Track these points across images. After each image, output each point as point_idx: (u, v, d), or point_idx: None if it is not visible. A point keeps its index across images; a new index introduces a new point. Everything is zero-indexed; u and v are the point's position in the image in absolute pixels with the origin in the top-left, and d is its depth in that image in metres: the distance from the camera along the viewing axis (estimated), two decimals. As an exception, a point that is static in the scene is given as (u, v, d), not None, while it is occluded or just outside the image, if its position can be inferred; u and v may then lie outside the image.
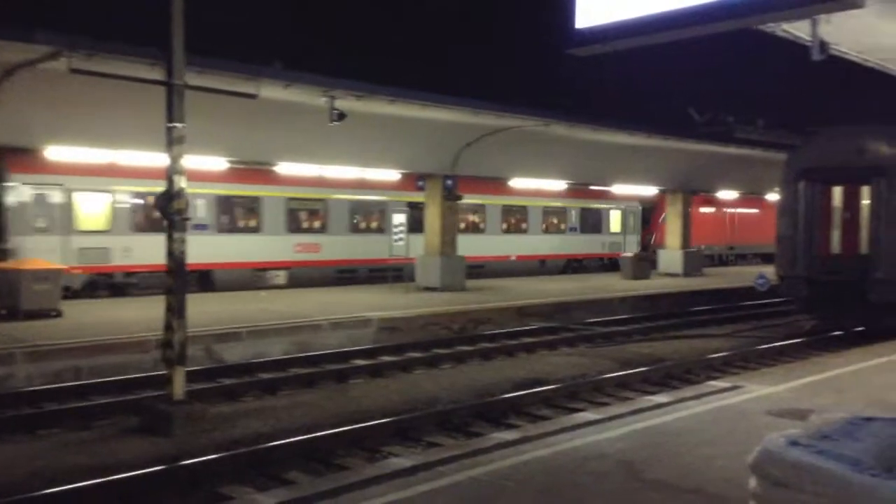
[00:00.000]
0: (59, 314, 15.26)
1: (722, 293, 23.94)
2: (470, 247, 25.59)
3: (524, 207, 30.53)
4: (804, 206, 16.25)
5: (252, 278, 22.79)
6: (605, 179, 29.37)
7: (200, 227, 21.08)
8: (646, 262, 27.93)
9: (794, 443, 3.90)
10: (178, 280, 9.16)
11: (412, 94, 18.38)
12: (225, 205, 22.61)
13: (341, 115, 16.85)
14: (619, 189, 30.04)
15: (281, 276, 23.49)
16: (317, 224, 24.69)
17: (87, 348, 12.35)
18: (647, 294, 22.42)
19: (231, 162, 20.01)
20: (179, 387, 9.11)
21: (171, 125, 9.24)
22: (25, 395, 10.76)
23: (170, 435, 8.77)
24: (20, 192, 19.13)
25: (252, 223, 23.23)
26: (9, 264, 15.34)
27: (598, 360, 14.19)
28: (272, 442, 8.53)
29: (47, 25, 13.32)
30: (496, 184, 27.42)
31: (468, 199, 24.60)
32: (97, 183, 20.31)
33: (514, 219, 30.30)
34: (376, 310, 16.97)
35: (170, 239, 9.18)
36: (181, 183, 9.23)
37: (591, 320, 18.78)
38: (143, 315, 14.88)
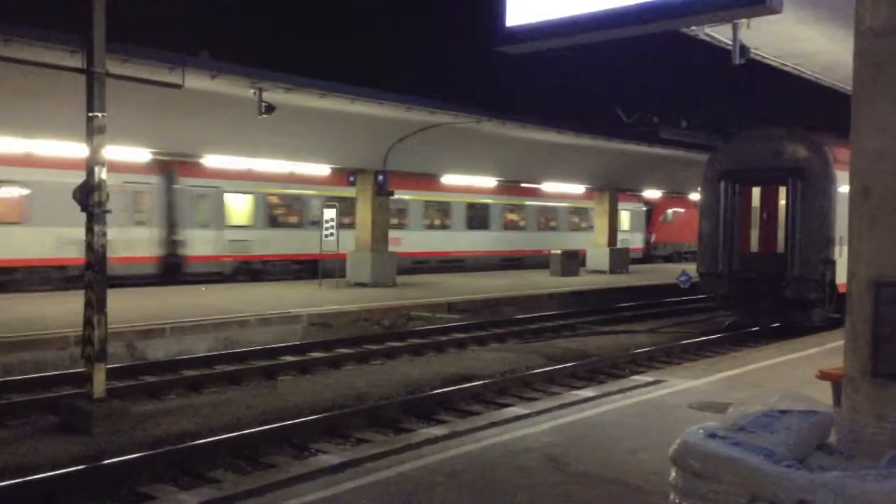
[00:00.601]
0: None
1: (646, 290, 24.56)
2: (513, 242, 32.05)
3: (555, 208, 35.82)
4: (724, 205, 16.78)
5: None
6: (535, 177, 29.78)
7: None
8: (574, 259, 28.42)
9: (712, 435, 4.01)
10: (98, 274, 8.87)
11: (343, 88, 18.25)
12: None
13: (270, 108, 16.60)
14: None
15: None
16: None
17: (1, 344, 11.86)
18: (574, 290, 22.81)
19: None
20: (99, 384, 8.83)
21: (91, 115, 8.93)
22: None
23: (90, 434, 8.50)
24: (187, 193, 23.10)
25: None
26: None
27: (527, 355, 14.37)
28: (197, 440, 8.36)
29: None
30: (529, 189, 31.64)
31: (512, 201, 30.50)
32: (240, 186, 24.27)
33: (545, 218, 35.71)
34: (306, 306, 16.80)
35: (89, 232, 8.88)
36: (102, 174, 8.94)
37: (519, 316, 19.03)
38: (72, 309, 14.36)
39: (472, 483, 5.84)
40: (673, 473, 4.06)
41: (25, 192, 20.24)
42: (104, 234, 8.95)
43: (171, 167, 22.49)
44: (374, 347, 14.66)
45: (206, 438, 8.41)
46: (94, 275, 8.86)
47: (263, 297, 18.28)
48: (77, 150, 16.12)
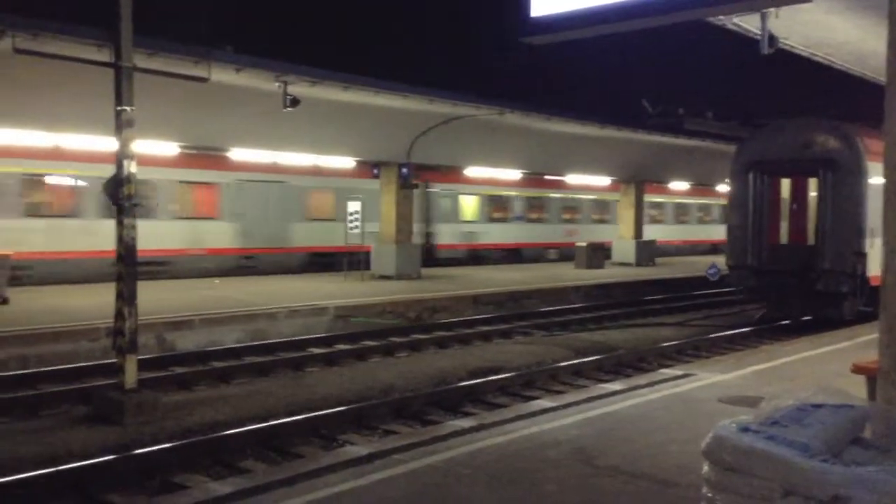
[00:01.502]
0: (5, 301, 14.86)
1: (673, 283, 24.37)
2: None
3: (661, 203, 38.72)
4: (753, 197, 16.58)
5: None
6: (559, 169, 29.67)
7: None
8: (600, 251, 28.27)
9: (745, 429, 3.97)
10: (129, 267, 8.97)
11: (366, 81, 18.26)
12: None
13: (295, 101, 16.66)
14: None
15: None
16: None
17: (34, 336, 12.05)
18: (600, 283, 22.69)
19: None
20: (131, 375, 8.93)
21: (120, 108, 9.01)
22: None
23: (122, 424, 8.61)
24: (436, 196, 29.07)
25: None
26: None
27: (553, 348, 14.33)
28: (226, 430, 8.44)
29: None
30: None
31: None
32: (469, 189, 30.24)
33: (677, 212, 39.29)
34: (332, 298, 16.88)
35: (119, 225, 8.98)
36: (131, 168, 9.02)
37: (545, 309, 18.98)
38: (105, 302, 14.56)
39: (499, 475, 5.83)
40: (705, 467, 4.03)
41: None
42: (133, 227, 9.03)
43: (426, 176, 27.65)
44: (399, 340, 14.70)
45: (235, 428, 8.49)
46: (124, 267, 8.95)
47: (290, 290, 18.39)
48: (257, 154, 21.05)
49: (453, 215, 30.16)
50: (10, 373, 11.19)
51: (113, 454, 7.59)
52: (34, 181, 19.83)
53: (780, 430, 3.96)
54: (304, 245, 25.32)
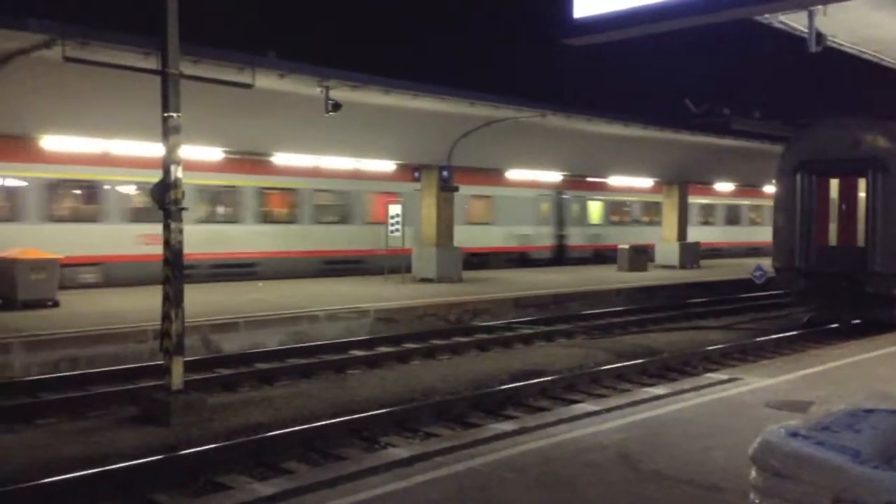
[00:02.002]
0: (55, 304, 15.23)
1: (719, 285, 24.00)
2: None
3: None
4: (801, 198, 16.26)
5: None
6: (601, 171, 29.44)
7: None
8: (643, 254, 27.96)
9: (794, 434, 3.90)
10: (176, 270, 9.12)
11: (407, 85, 18.33)
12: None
13: (336, 106, 16.80)
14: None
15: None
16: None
17: (84, 338, 12.33)
18: (643, 286, 22.44)
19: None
20: (178, 377, 9.08)
21: (166, 115, 9.18)
22: (23, 385, 10.75)
23: (168, 425, 8.76)
24: (567, 202, 32.19)
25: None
26: (6, 254, 15.28)
27: (596, 351, 14.21)
28: (270, 432, 8.53)
29: (42, 14, 13.25)
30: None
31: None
32: (594, 195, 33.01)
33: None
34: (373, 301, 16.97)
35: (167, 229, 9.14)
36: (178, 173, 9.19)
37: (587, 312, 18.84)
38: (152, 304, 14.85)
39: (542, 479, 5.80)
40: (753, 473, 3.96)
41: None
42: (180, 231, 9.18)
43: (558, 186, 31.08)
44: (440, 342, 14.71)
45: (278, 430, 8.57)
46: (171, 270, 9.11)
47: (331, 293, 18.54)
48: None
49: (582, 219, 33.35)
50: (61, 374, 11.46)
51: (160, 454, 7.72)
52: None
53: (830, 435, 3.88)
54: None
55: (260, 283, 20.88)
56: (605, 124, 23.54)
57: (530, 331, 15.91)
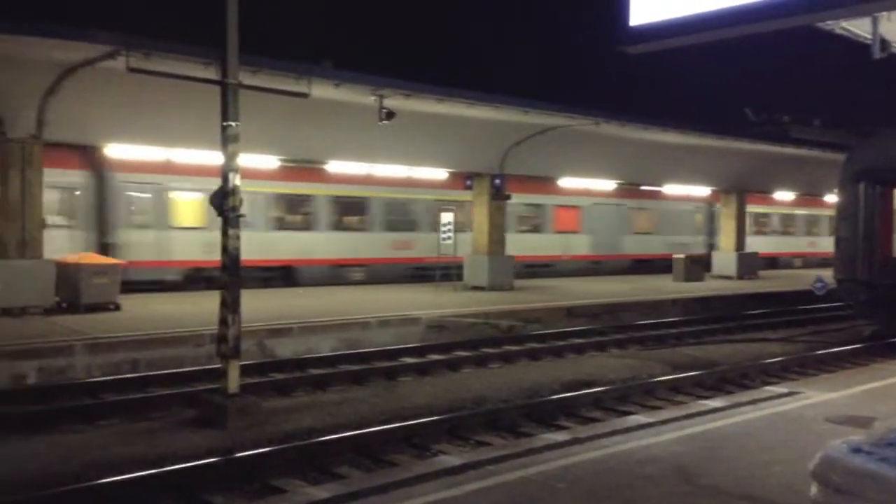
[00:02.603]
0: (117, 307, 15.66)
1: (777, 296, 23.45)
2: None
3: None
4: (864, 208, 15.80)
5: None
6: (657, 180, 29.08)
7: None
8: (699, 263, 27.50)
9: (856, 450, 3.80)
10: (233, 276, 9.30)
11: (460, 93, 18.40)
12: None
13: (390, 114, 16.96)
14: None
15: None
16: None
17: (144, 341, 12.65)
18: (699, 296, 22.06)
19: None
20: (234, 380, 9.24)
21: (226, 124, 9.38)
22: (85, 386, 11.07)
23: (224, 427, 8.92)
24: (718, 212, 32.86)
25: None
26: (69, 259, 15.79)
27: (649, 362, 14.01)
28: (323, 436, 8.61)
29: (106, 26, 13.71)
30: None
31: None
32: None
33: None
34: (424, 308, 17.03)
35: (225, 236, 9.32)
36: (236, 181, 9.37)
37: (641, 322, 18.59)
38: (210, 309, 15.14)
39: (595, 491, 5.74)
40: (813, 489, 3.87)
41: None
42: (238, 238, 9.35)
43: (712, 198, 33.01)
44: (491, 351, 14.68)
45: (331, 435, 8.65)
46: (228, 276, 9.28)
47: (383, 300, 18.67)
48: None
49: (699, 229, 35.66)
50: (122, 376, 11.77)
51: (216, 457, 7.86)
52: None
53: (894, 451, 3.77)
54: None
55: (301, 290, 21.13)
56: (660, 132, 23.26)
57: (582, 340, 15.79)
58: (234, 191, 9.34)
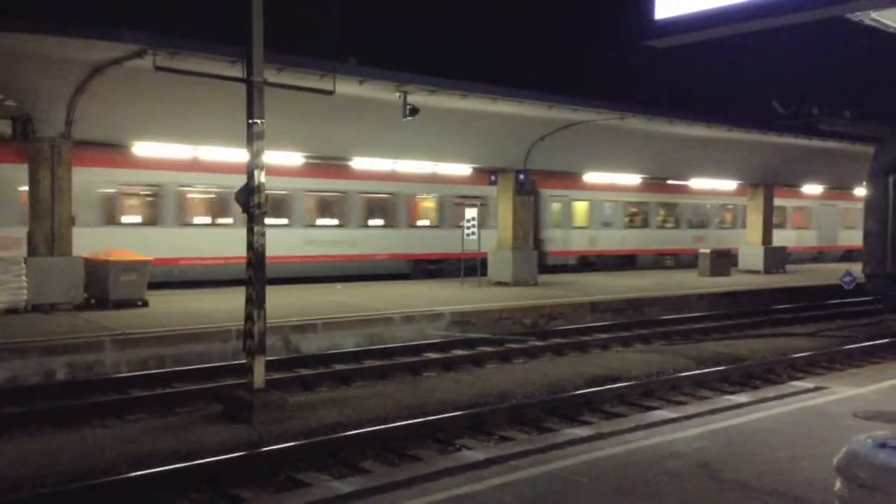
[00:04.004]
0: (145, 304, 15.85)
1: (805, 291, 23.18)
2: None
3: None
4: (893, 201, 15.57)
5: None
6: (683, 174, 28.84)
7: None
8: (725, 258, 27.24)
9: (882, 444, 3.77)
10: (258, 271, 9.39)
11: (484, 88, 18.37)
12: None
13: (414, 110, 16.97)
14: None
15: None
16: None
17: (171, 337, 12.80)
18: (725, 291, 21.88)
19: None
20: (260, 376, 9.34)
21: (251, 121, 9.46)
22: (114, 381, 11.24)
23: (250, 422, 9.01)
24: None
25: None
26: (98, 256, 16.01)
27: (674, 357, 13.94)
28: (347, 431, 8.68)
29: (134, 25, 13.87)
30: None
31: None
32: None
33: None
34: (448, 304, 17.05)
35: (250, 232, 9.41)
36: (261, 178, 9.45)
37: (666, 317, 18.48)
38: (235, 305, 15.30)
39: (619, 486, 5.73)
40: (838, 484, 3.84)
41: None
42: (263, 235, 9.44)
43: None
44: (516, 346, 14.68)
45: (356, 430, 8.72)
46: (253, 272, 9.37)
47: (407, 295, 18.73)
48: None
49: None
50: (150, 371, 11.94)
51: (243, 451, 7.96)
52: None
53: (922, 448, 3.73)
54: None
55: (339, 286, 21.26)
56: (686, 126, 23.07)
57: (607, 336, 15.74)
58: (260, 188, 9.42)
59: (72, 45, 13.64)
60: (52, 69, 14.35)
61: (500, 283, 22.13)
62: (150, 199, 21.23)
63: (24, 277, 14.78)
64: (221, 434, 8.72)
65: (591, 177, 27.19)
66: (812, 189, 34.82)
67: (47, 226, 15.34)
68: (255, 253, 9.39)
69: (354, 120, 18.38)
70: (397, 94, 16.94)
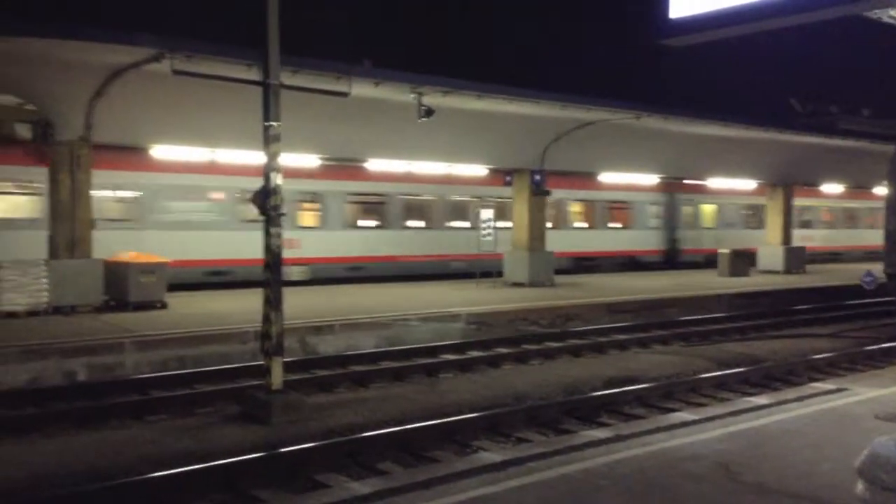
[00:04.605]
0: (164, 305, 15.97)
1: (825, 291, 22.97)
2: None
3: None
4: (915, 199, 15.38)
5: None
6: (700, 173, 28.70)
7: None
8: (744, 258, 27.05)
9: (906, 447, 3.73)
10: (275, 273, 9.42)
11: (499, 89, 18.36)
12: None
13: (429, 112, 17.00)
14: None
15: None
16: None
17: (190, 339, 12.88)
18: (744, 291, 21.72)
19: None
20: (277, 377, 9.37)
21: (267, 124, 9.49)
22: (134, 383, 11.32)
23: (269, 423, 9.05)
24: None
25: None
26: (118, 258, 16.14)
27: (694, 359, 13.84)
28: (365, 432, 8.69)
29: (151, 29, 13.99)
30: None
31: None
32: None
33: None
34: (464, 305, 17.04)
35: (267, 234, 9.45)
36: (277, 180, 9.49)
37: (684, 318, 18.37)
38: (252, 307, 15.37)
39: (638, 488, 5.70)
40: (860, 486, 3.80)
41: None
42: (279, 237, 9.48)
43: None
44: (532, 347, 14.65)
45: (373, 431, 8.72)
46: (270, 274, 9.41)
47: (423, 297, 18.74)
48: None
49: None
50: (169, 372, 12.01)
51: (261, 452, 7.98)
52: None
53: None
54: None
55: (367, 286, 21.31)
56: (703, 125, 22.94)
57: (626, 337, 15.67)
58: (276, 190, 9.45)
59: (90, 49, 13.78)
60: (70, 73, 14.49)
61: (516, 284, 22.10)
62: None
63: (44, 280, 14.93)
64: (240, 435, 8.75)
65: (713, 182, 30.20)
66: (833, 188, 34.56)
67: (68, 228, 15.48)
68: (273, 255, 9.42)
69: (370, 122, 18.43)
70: (412, 96, 16.97)
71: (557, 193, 26.10)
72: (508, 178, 23.27)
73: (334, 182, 23.49)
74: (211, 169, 20.93)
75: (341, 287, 21.41)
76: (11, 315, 14.48)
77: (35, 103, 15.88)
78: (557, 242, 24.82)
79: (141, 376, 11.70)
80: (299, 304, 15.85)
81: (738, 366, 12.95)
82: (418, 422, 9.19)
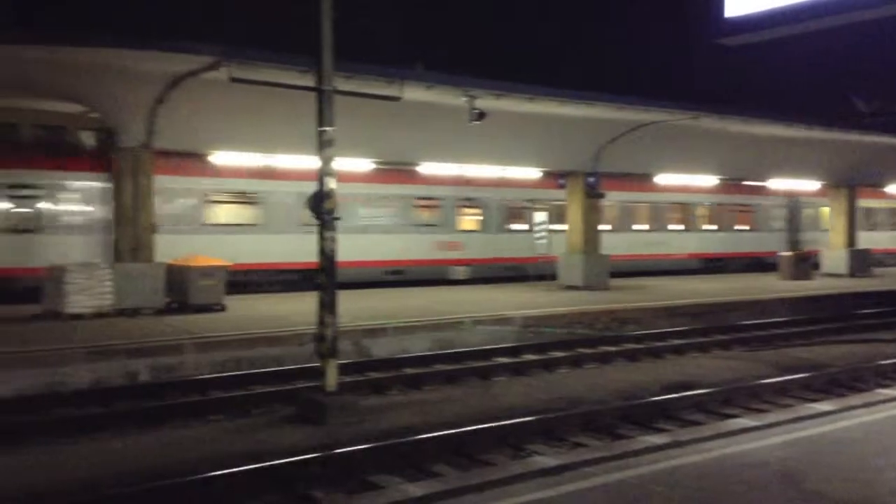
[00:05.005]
0: (223, 308, 16.28)
1: (893, 296, 22.20)
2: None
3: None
4: None
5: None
6: (760, 175, 28.07)
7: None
8: (806, 261, 26.33)
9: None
10: (329, 277, 9.51)
11: (552, 92, 18.25)
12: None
13: (481, 115, 16.98)
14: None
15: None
16: None
17: (248, 340, 13.10)
18: (807, 295, 21.14)
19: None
20: (332, 379, 9.46)
21: (321, 129, 9.60)
22: (195, 383, 11.56)
23: (324, 424, 9.13)
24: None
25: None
26: (179, 262, 16.52)
27: (754, 364, 13.51)
28: (419, 435, 8.70)
29: (209, 38, 14.30)
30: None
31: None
32: None
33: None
34: (518, 308, 16.96)
35: (321, 238, 9.54)
36: (331, 184, 9.58)
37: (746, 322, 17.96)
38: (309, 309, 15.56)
39: (696, 495, 5.58)
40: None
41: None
42: (333, 240, 9.56)
43: None
44: (587, 351, 14.49)
45: (427, 433, 8.72)
46: (325, 278, 9.50)
47: (477, 300, 18.71)
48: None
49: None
50: (226, 373, 12.23)
51: (316, 453, 8.06)
52: None
53: None
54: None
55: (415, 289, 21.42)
56: (763, 125, 22.43)
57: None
58: (330, 194, 9.55)
59: (151, 58, 14.15)
60: (132, 82, 14.91)
61: (570, 287, 21.91)
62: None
63: (108, 283, 15.36)
64: (295, 435, 8.85)
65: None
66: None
67: (130, 233, 15.91)
68: (327, 258, 9.51)
69: (422, 125, 18.51)
70: (464, 99, 16.98)
71: (690, 198, 29.55)
72: (561, 181, 23.10)
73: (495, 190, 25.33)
74: (388, 179, 23.19)
75: (381, 291, 21.51)
76: (77, 317, 14.94)
77: (99, 111, 16.38)
78: (688, 244, 28.05)
79: (200, 377, 11.92)
80: (352, 308, 15.96)
81: (801, 371, 12.58)
82: (471, 425, 9.16)
